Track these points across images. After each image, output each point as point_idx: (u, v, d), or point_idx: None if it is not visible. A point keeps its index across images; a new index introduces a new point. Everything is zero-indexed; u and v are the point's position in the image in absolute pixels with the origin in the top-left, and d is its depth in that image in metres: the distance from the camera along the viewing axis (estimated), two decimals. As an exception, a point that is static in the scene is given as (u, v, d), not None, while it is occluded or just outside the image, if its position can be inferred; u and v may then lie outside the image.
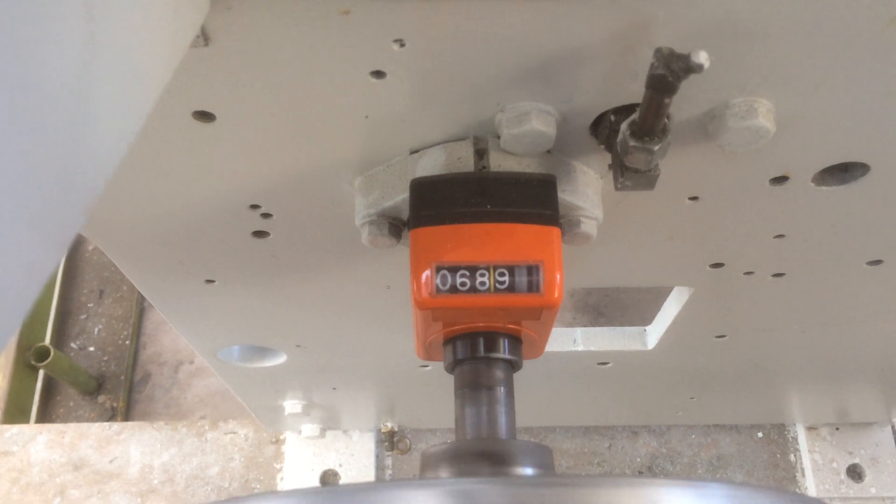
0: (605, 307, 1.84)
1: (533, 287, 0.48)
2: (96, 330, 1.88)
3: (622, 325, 1.33)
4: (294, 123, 0.51)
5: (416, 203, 0.50)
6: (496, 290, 0.48)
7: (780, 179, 0.57)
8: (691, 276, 0.75)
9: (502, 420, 0.50)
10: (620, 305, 1.84)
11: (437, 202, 0.50)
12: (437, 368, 1.04)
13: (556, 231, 0.49)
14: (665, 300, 0.91)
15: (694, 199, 0.60)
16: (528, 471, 0.47)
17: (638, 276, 0.74)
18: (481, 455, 0.46)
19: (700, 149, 0.53)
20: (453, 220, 0.49)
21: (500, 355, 0.52)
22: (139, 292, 1.92)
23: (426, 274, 0.48)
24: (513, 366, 0.53)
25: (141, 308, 1.90)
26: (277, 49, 0.44)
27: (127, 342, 1.85)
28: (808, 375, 1.12)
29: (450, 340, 0.53)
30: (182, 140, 0.53)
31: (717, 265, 0.72)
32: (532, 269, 0.48)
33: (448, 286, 0.48)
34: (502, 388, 0.51)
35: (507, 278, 0.48)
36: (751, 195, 0.59)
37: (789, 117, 0.49)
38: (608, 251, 0.70)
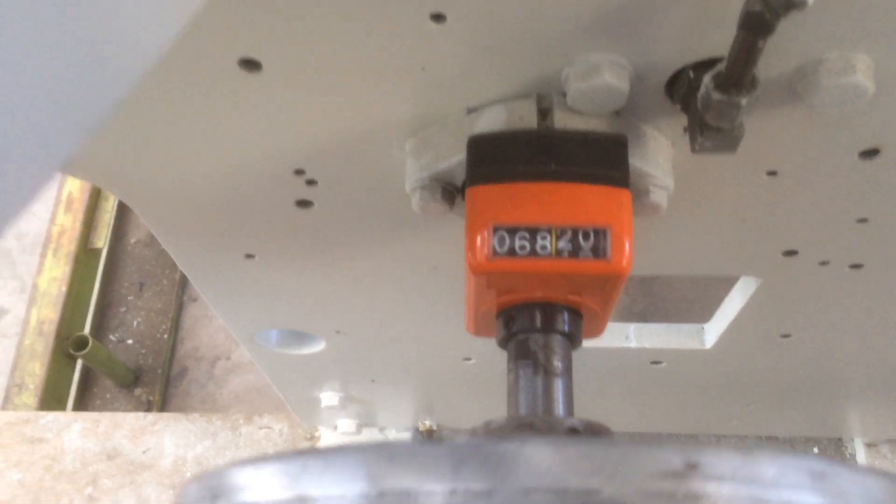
0: (652, 315, 1.78)
1: (599, 253, 0.44)
2: (135, 323, 1.88)
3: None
4: (346, 74, 0.48)
5: (473, 160, 0.46)
6: (558, 254, 0.44)
7: (870, 153, 0.52)
8: (761, 264, 0.70)
9: (559, 397, 0.45)
10: (666, 313, 1.78)
11: (497, 159, 0.46)
12: (481, 363, 1.00)
13: (626, 194, 0.45)
14: (718, 302, 0.86)
15: (772, 174, 0.55)
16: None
17: (704, 264, 0.69)
18: (536, 431, 0.41)
19: (784, 114, 0.49)
20: (514, 178, 0.45)
21: (560, 328, 0.48)
22: (179, 287, 1.92)
23: (482, 235, 0.44)
24: (572, 341, 0.48)
25: (180, 302, 1.89)
26: (331, -17, 0.41)
27: (165, 336, 1.84)
28: (873, 385, 1.05)
29: (504, 311, 0.49)
30: (226, 91, 0.50)
31: (791, 253, 0.67)
32: (599, 234, 0.44)
33: (506, 248, 0.44)
34: (560, 365, 0.47)
35: (570, 242, 0.44)
36: (836, 170, 0.54)
37: (891, 77, 0.45)
38: (673, 233, 0.65)
